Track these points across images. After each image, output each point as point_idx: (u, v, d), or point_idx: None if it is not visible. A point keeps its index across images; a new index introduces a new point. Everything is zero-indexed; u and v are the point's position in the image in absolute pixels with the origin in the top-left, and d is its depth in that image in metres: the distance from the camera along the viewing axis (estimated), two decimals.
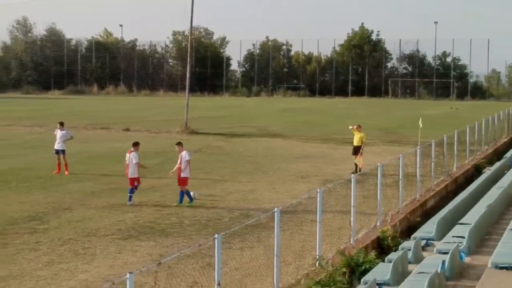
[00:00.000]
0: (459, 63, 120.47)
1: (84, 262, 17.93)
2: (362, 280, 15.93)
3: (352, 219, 19.82)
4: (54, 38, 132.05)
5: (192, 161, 26.80)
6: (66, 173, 31.61)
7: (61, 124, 33.40)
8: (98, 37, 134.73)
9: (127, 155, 25.78)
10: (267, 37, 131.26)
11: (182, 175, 25.29)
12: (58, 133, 32.86)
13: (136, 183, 25.44)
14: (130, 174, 25.47)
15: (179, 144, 26.28)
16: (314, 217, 18.21)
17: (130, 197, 25.16)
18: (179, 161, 25.57)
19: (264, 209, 22.69)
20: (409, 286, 15.30)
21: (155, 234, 20.77)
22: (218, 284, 13.07)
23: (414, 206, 25.53)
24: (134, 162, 25.50)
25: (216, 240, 12.71)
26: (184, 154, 25.57)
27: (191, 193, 25.65)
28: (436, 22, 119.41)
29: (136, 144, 26.22)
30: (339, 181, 24.53)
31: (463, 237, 19.65)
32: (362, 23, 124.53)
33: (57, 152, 32.26)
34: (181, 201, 25.02)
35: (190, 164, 25.68)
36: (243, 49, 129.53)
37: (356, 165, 32.63)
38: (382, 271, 16.21)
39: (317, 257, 17.34)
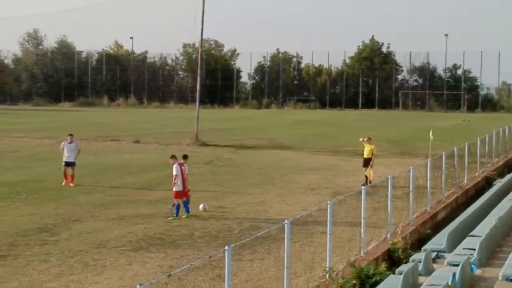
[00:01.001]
0: (470, 76, 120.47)
1: (94, 273, 17.93)
2: None
3: (362, 231, 19.76)
4: (65, 50, 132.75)
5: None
6: (71, 184, 31.60)
7: (71, 136, 33.40)
8: (109, 49, 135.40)
9: (179, 167, 25.76)
10: (277, 49, 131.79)
11: (174, 189, 25.28)
12: (67, 145, 32.73)
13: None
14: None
15: (173, 157, 26.23)
16: (324, 229, 18.17)
17: (178, 207, 25.21)
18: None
19: (274, 221, 22.66)
20: None
21: (165, 246, 20.76)
22: None
23: (424, 218, 25.45)
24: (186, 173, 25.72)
25: (226, 252, 12.69)
26: (174, 168, 25.53)
27: (201, 205, 25.69)
28: (446, 35, 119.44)
29: (186, 157, 26.44)
30: (349, 193, 24.49)
31: (474, 249, 19.58)
32: (373, 36, 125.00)
33: (69, 164, 32.17)
34: (187, 211, 25.00)
35: (181, 178, 25.43)
36: (253, 61, 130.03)
37: (366, 177, 32.59)
38: (392, 283, 16.15)
39: (327, 269, 17.30)
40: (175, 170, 25.33)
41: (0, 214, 25.17)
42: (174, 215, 24.75)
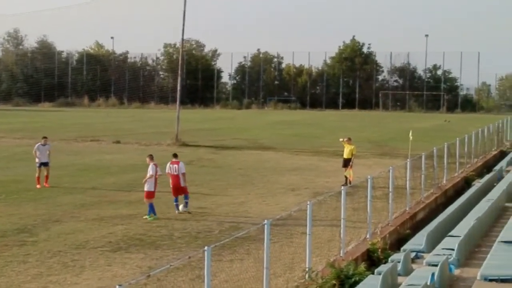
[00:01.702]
0: (450, 76, 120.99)
1: (73, 274, 17.89)
2: None
3: (342, 231, 19.82)
4: (45, 50, 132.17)
5: None
6: (46, 185, 31.46)
7: (46, 138, 33.33)
8: (89, 49, 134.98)
9: (171, 166, 25.93)
10: (258, 49, 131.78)
11: (145, 188, 25.31)
12: (40, 147, 32.56)
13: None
14: (182, 183, 25.85)
15: (150, 156, 26.34)
16: (304, 230, 18.21)
17: (186, 203, 25.78)
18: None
19: (254, 222, 22.68)
20: None
21: (145, 247, 20.74)
22: None
23: (404, 219, 25.55)
24: (182, 171, 25.97)
25: (205, 253, 12.69)
26: (149, 168, 25.54)
27: (180, 206, 25.64)
28: (427, 35, 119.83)
29: (176, 156, 26.67)
30: (329, 194, 24.57)
31: (453, 249, 19.67)
32: (353, 36, 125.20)
33: (44, 164, 32.03)
34: (149, 213, 24.84)
35: (154, 178, 25.46)
36: (234, 61, 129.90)
37: (346, 177, 32.63)
38: (371, 283, 16.20)
39: (307, 269, 17.34)
40: (151, 170, 25.34)
41: None
42: (153, 215, 24.71)
